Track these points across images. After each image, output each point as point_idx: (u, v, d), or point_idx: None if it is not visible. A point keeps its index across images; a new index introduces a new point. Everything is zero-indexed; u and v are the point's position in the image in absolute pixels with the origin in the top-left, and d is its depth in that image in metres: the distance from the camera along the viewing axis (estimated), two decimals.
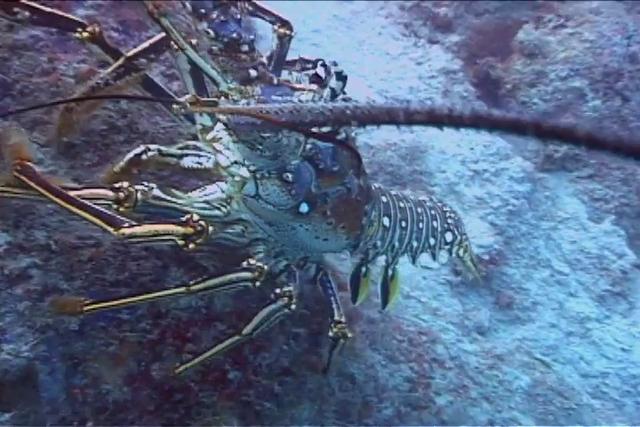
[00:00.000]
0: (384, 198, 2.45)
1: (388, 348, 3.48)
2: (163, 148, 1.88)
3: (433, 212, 2.73)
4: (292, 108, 1.26)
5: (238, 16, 1.73)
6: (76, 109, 1.87)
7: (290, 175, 1.81)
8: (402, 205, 2.53)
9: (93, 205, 1.59)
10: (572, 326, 4.52)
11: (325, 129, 1.70)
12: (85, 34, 1.81)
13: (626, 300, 4.70)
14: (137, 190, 1.66)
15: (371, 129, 4.53)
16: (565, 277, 4.65)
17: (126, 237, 1.59)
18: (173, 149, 1.92)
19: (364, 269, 2.53)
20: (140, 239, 1.62)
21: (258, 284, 1.85)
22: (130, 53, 1.88)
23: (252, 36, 1.73)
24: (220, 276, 1.80)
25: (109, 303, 1.71)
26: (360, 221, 2.18)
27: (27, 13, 1.73)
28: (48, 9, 1.77)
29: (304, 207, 1.89)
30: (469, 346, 4.11)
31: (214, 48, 1.70)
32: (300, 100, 1.76)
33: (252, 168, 1.82)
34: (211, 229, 1.71)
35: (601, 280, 4.67)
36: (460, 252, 2.95)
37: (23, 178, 1.55)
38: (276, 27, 2.24)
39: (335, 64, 1.84)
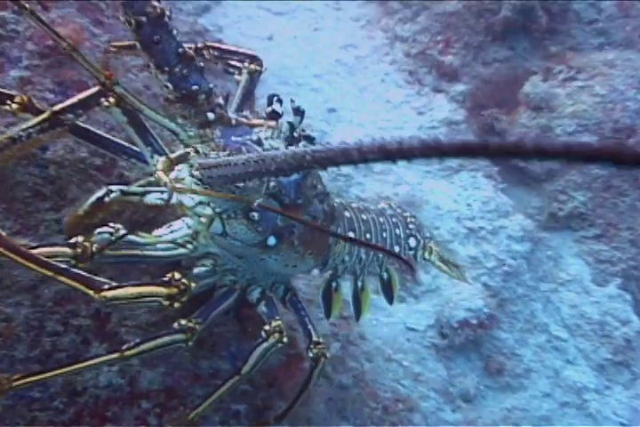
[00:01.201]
0: (347, 213, 2.52)
1: (359, 416, 3.39)
2: (124, 187, 1.93)
3: (394, 219, 2.81)
4: (257, 158, 1.43)
5: (201, 64, 1.77)
6: None
7: (255, 214, 1.88)
8: (364, 217, 2.60)
9: (70, 269, 1.61)
10: (568, 396, 4.36)
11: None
12: (15, 105, 1.84)
13: (629, 370, 4.53)
14: (92, 244, 1.69)
15: (363, 181, 4.47)
16: (563, 344, 4.51)
17: (108, 299, 1.62)
18: (135, 187, 1.96)
19: (334, 284, 2.58)
20: (122, 302, 1.66)
21: (190, 344, 1.88)
22: (57, 108, 1.87)
23: (210, 85, 1.78)
24: (154, 339, 1.81)
25: (41, 376, 1.69)
26: (327, 243, 2.28)
27: None
28: None
29: (272, 241, 1.96)
30: (451, 415, 3.99)
31: (171, 96, 1.75)
32: (258, 138, 1.85)
33: (217, 210, 1.87)
34: (193, 285, 1.80)
35: (602, 348, 4.51)
36: (426, 255, 3.01)
37: None
38: (246, 64, 2.36)
39: (292, 100, 1.94)
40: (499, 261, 4.41)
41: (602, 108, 4.69)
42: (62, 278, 1.59)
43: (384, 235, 2.71)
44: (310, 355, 2.22)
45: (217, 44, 2.47)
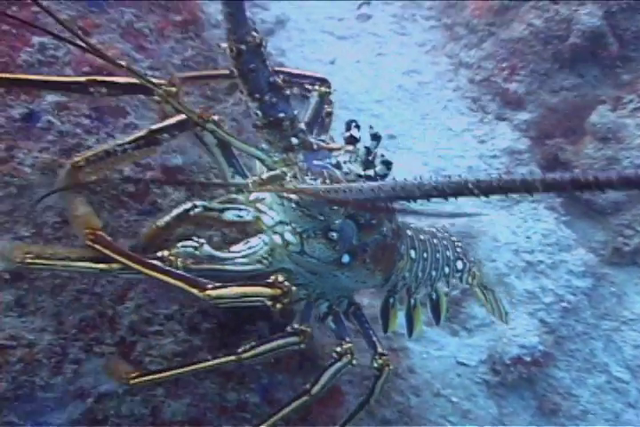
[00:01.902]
0: (409, 232, 2.64)
1: None
2: (207, 203, 2.05)
3: (445, 242, 2.96)
4: (352, 188, 1.57)
5: (287, 92, 1.89)
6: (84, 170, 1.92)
7: (335, 234, 2.00)
8: (422, 237, 2.73)
9: (174, 270, 1.75)
10: None
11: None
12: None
13: None
14: (177, 258, 1.82)
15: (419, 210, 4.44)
16: (625, 385, 4.34)
17: (213, 298, 1.75)
18: (215, 204, 2.09)
19: (391, 300, 2.71)
20: (227, 300, 1.78)
21: (303, 346, 2.03)
22: (155, 126, 1.97)
23: (295, 112, 1.90)
24: (269, 342, 1.96)
25: (155, 376, 1.86)
26: (395, 260, 2.41)
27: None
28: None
29: (346, 258, 2.08)
30: None
31: (259, 123, 1.87)
32: (337, 162, 1.98)
33: (298, 229, 2.00)
34: (294, 288, 1.91)
35: None
36: (469, 279, 3.17)
37: (97, 247, 1.69)
38: (316, 86, 2.47)
39: (371, 127, 2.07)
40: (557, 297, 4.30)
41: None
42: (168, 279, 1.72)
43: (437, 255, 2.84)
44: (375, 365, 2.32)
45: (286, 69, 2.59)
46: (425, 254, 2.73)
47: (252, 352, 1.90)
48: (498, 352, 4.06)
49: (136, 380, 1.83)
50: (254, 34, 1.74)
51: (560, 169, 4.77)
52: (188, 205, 2.00)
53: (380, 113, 5.04)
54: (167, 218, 1.99)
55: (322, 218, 1.98)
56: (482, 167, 4.71)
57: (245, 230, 2.16)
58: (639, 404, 4.31)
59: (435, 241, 2.86)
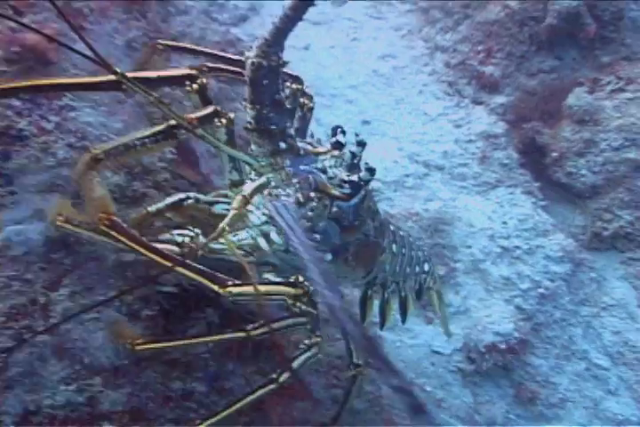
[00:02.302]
0: (392, 227, 2.77)
1: None
2: (200, 196, 2.14)
3: (418, 242, 3.15)
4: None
5: (288, 107, 2.00)
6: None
7: (318, 236, 2.11)
8: (401, 233, 2.87)
9: (195, 264, 1.78)
10: None
11: (350, 191, 2.10)
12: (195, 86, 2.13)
13: None
14: (197, 245, 1.89)
15: (393, 196, 4.36)
16: (604, 373, 4.29)
17: (233, 295, 1.80)
18: (207, 197, 2.18)
19: (369, 292, 2.81)
20: (247, 298, 1.84)
21: (309, 327, 2.10)
22: (172, 122, 2.00)
23: (287, 124, 2.01)
24: (278, 321, 2.02)
25: (162, 344, 1.91)
26: (377, 256, 2.53)
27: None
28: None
29: (328, 257, 2.18)
30: None
31: (250, 126, 1.96)
32: (323, 166, 2.09)
33: (280, 232, 2.07)
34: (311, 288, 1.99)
35: None
36: (431, 283, 3.27)
37: (113, 233, 1.72)
38: (287, 83, 2.44)
39: (357, 134, 2.16)
40: (534, 283, 4.24)
41: None
42: (187, 272, 1.76)
43: (412, 253, 2.96)
44: (349, 374, 2.37)
45: None
46: (403, 250, 2.83)
47: (262, 330, 1.93)
48: (473, 340, 4.01)
49: (142, 346, 1.85)
50: (280, 55, 1.85)
51: (537, 153, 4.71)
52: (183, 195, 2.08)
53: (355, 98, 4.96)
54: (160, 205, 2.04)
55: (306, 221, 2.06)
56: (458, 152, 4.64)
57: (234, 224, 2.12)
58: (619, 391, 4.26)
59: (410, 239, 2.97)
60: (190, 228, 1.96)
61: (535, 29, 4.79)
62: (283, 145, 2.00)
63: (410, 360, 4.02)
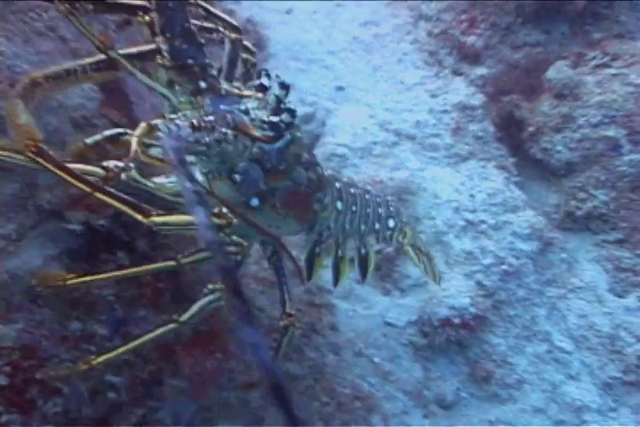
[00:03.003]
0: (337, 184, 2.76)
1: (304, 409, 3.21)
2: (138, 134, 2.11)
3: (378, 199, 3.10)
4: None
5: (202, 41, 2.04)
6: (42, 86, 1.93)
7: (238, 177, 2.11)
8: (352, 191, 2.87)
9: (120, 194, 1.76)
10: (565, 414, 4.00)
11: (273, 133, 2.09)
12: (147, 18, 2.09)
13: None
14: (122, 170, 1.86)
15: (359, 163, 4.25)
16: (566, 356, 4.14)
17: (157, 224, 1.79)
18: (146, 139, 2.11)
19: (317, 250, 2.82)
20: (171, 228, 1.83)
21: (239, 258, 2.16)
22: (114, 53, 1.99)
23: (207, 60, 2.05)
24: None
25: (93, 277, 1.89)
26: (311, 208, 2.51)
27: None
28: None
29: (254, 202, 2.19)
30: (419, 420, 3.73)
31: (166, 63, 1.99)
32: (246, 108, 2.09)
33: (203, 170, 2.11)
34: (235, 221, 1.95)
35: (610, 365, 4.12)
36: (400, 237, 3.28)
37: (39, 160, 1.68)
38: (226, 32, 2.49)
39: (277, 76, 2.17)
40: (498, 259, 4.10)
41: (634, 98, 4.30)
42: (112, 201, 1.74)
43: (367, 210, 2.97)
44: (281, 324, 2.42)
45: (205, 4, 2.53)
46: (354, 207, 2.85)
47: (192, 258, 1.95)
48: (427, 313, 3.88)
49: (72, 281, 1.84)
50: None
51: (515, 128, 4.57)
52: (121, 130, 2.06)
53: (332, 64, 4.86)
54: (98, 137, 2.03)
55: (225, 160, 2.08)
56: (431, 122, 4.51)
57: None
58: (581, 376, 4.11)
59: (367, 197, 2.99)
60: (124, 160, 1.93)
61: (522, 0, 4.64)
62: (203, 84, 2.03)
63: (360, 330, 3.91)
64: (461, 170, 4.38)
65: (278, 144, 2.17)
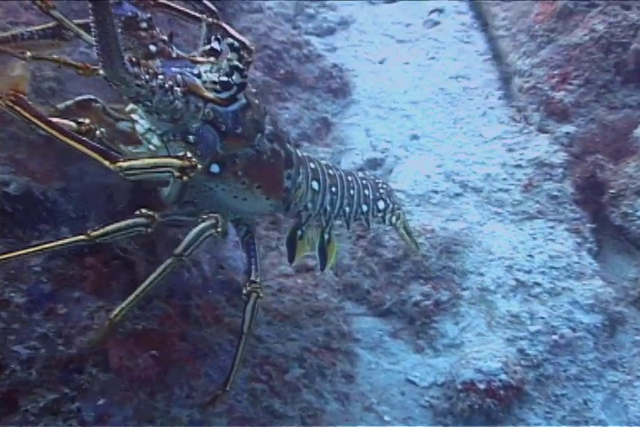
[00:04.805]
0: (312, 165, 2.81)
1: None
2: (107, 106, 2.26)
3: (364, 181, 3.14)
4: None
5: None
6: None
7: (192, 137, 2.15)
8: (331, 172, 2.91)
9: (90, 141, 1.88)
10: None
11: (225, 95, 2.18)
12: None
13: None
14: (97, 129, 2.07)
15: (413, 210, 4.06)
16: None
17: (123, 169, 1.87)
18: (114, 112, 2.27)
19: (299, 233, 2.89)
20: (137, 171, 1.91)
21: (150, 230, 2.08)
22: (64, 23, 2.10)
23: (148, 15, 2.09)
24: (117, 222, 2.02)
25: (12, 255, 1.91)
26: (280, 183, 2.54)
27: None
28: None
29: (214, 168, 2.24)
30: None
31: None
32: (199, 71, 2.17)
33: (158, 132, 2.17)
34: (200, 166, 2.04)
35: None
36: (393, 219, 3.33)
37: (17, 108, 1.79)
38: (204, 16, 2.54)
39: (226, 37, 2.30)
40: (548, 328, 3.67)
41: None
42: (81, 147, 1.83)
43: (351, 192, 3.01)
44: (244, 291, 2.38)
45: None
46: (333, 189, 2.88)
47: (102, 231, 1.95)
48: (452, 375, 3.52)
49: None
50: None
51: (595, 190, 4.18)
52: (92, 96, 2.20)
53: (412, 114, 4.77)
54: (69, 102, 2.16)
55: (177, 120, 2.11)
56: (501, 176, 4.24)
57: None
58: None
59: (349, 178, 3.03)
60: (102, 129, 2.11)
61: (623, 57, 4.33)
62: (153, 48, 2.07)
63: (378, 385, 3.60)
64: (525, 228, 4.04)
65: (232, 107, 2.22)
